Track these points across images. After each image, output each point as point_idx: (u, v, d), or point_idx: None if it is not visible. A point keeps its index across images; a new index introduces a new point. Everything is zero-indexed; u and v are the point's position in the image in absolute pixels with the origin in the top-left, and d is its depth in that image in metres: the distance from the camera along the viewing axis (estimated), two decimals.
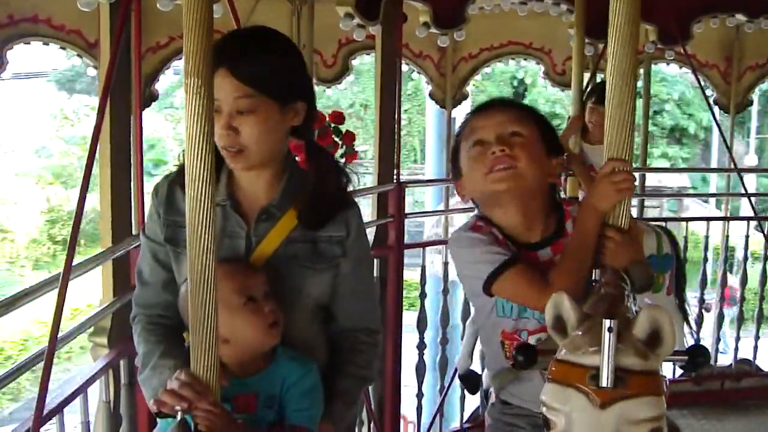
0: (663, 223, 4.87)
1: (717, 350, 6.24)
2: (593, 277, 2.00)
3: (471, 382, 4.50)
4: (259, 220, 2.22)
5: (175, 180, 2.24)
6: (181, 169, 2.09)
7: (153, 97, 4.33)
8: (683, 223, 7.39)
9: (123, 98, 3.57)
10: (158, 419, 2.09)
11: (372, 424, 4.80)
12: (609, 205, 2.02)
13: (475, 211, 2.45)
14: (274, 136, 2.15)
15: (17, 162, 22.86)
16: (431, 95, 5.71)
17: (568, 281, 2.09)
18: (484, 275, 2.26)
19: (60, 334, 2.84)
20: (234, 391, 2.04)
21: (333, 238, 2.25)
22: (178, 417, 1.87)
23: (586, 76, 5.54)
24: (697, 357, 1.68)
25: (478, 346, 4.53)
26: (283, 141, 2.21)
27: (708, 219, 7.03)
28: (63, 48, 4.06)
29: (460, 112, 5.77)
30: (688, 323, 4.97)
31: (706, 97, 6.30)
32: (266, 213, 2.22)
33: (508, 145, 2.24)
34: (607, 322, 1.46)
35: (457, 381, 4.68)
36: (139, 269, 2.35)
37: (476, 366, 4.49)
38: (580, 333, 1.55)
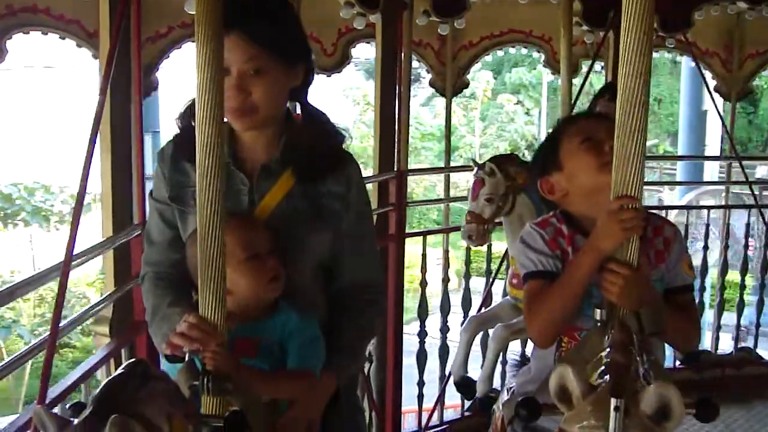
0: (663, 213, 4.86)
1: (717, 338, 6.25)
2: (599, 317, 1.93)
3: (467, 388, 4.53)
4: (261, 177, 2.27)
5: (177, 144, 2.32)
6: (184, 130, 2.23)
7: (153, 86, 4.32)
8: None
9: (123, 88, 3.56)
10: (166, 364, 2.13)
11: (373, 413, 4.81)
12: (614, 244, 1.96)
13: None
14: (280, 96, 2.23)
15: None
16: (431, 83, 5.69)
17: (550, 314, 2.14)
18: (521, 274, 2.34)
19: (62, 324, 2.85)
20: (236, 336, 2.10)
21: (334, 193, 2.31)
22: (186, 359, 1.92)
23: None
24: (706, 412, 1.64)
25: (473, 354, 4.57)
26: (286, 101, 2.29)
27: (709, 207, 7.04)
28: (62, 38, 4.05)
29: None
30: None
31: (707, 85, 6.29)
32: (268, 170, 2.27)
33: None
34: (613, 401, 1.45)
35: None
36: (148, 229, 2.41)
37: (471, 372, 4.53)
38: (586, 407, 1.53)
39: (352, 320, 2.37)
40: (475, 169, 4.21)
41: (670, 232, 2.34)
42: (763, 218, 6.06)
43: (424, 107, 25.58)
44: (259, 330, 2.19)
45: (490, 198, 4.12)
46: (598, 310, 1.93)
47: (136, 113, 3.65)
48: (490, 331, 4.34)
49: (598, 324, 1.90)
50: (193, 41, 1.83)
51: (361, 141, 23.44)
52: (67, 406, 1.48)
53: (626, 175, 1.88)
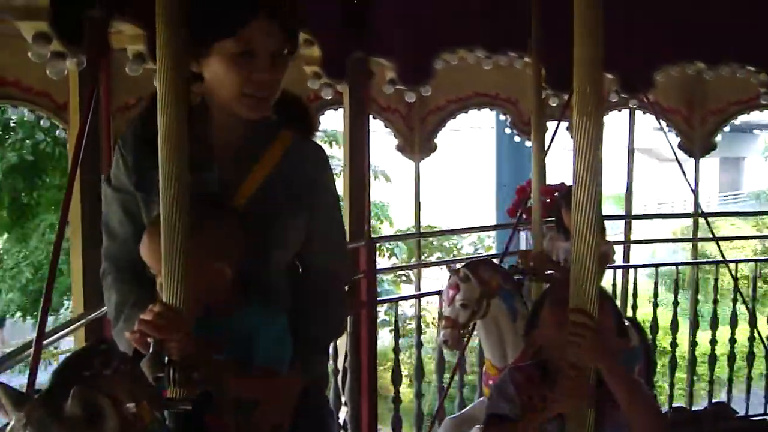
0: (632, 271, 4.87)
1: (691, 394, 6.24)
2: None
3: None
4: (235, 166, 2.20)
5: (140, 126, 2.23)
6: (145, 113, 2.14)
7: None
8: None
9: (93, 160, 3.53)
10: None
11: None
12: (568, 408, 2.06)
13: None
14: None
15: None
16: (398, 148, 5.70)
17: None
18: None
19: None
20: (200, 333, 1.98)
21: (305, 178, 2.24)
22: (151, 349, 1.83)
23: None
24: None
25: None
26: None
27: (677, 264, 7.10)
28: (32, 111, 4.05)
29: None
30: None
31: (670, 143, 6.37)
32: (239, 160, 2.20)
33: None
34: None
35: None
36: (107, 222, 2.26)
37: None
38: None
39: (318, 311, 2.29)
40: (449, 275, 4.27)
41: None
42: (731, 273, 6.12)
43: None
44: (226, 328, 2.06)
45: (464, 304, 4.17)
46: None
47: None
48: None
49: None
50: None
51: None
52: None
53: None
